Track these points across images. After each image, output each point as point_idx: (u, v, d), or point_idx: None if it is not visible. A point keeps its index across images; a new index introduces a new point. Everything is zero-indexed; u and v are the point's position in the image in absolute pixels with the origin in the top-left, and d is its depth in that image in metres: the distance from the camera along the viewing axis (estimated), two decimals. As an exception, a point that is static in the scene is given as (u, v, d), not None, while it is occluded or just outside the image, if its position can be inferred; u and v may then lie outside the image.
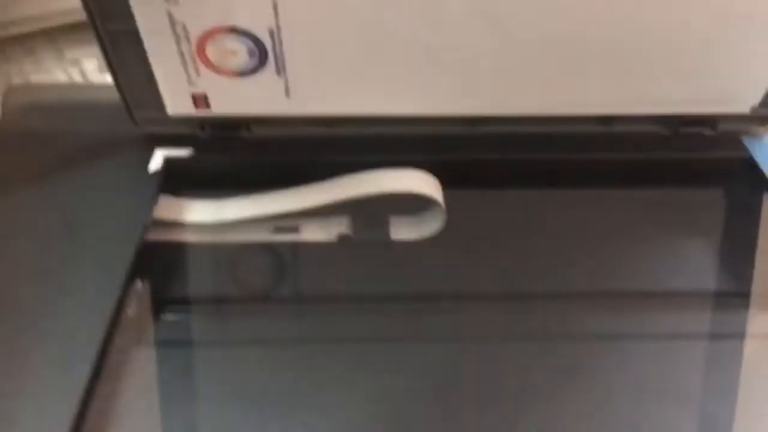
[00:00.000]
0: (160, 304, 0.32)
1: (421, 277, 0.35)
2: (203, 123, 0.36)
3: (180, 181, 0.36)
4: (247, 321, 0.33)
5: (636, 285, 0.35)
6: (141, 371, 0.29)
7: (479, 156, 0.38)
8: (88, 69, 0.67)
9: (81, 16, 0.68)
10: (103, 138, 0.37)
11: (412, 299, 0.34)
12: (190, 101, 0.35)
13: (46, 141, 0.36)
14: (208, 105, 0.35)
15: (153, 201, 0.34)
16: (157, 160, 0.35)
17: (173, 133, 0.36)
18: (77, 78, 0.66)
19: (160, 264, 0.34)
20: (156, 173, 0.35)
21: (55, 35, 0.69)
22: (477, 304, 0.34)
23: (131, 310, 0.30)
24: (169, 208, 0.35)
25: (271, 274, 0.36)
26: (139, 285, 0.31)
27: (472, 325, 0.33)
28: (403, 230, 0.37)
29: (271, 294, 0.35)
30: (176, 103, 0.35)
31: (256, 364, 0.31)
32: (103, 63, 0.67)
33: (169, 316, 0.33)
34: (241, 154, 0.37)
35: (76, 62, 0.68)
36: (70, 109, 0.38)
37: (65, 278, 0.30)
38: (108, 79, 0.65)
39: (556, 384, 0.30)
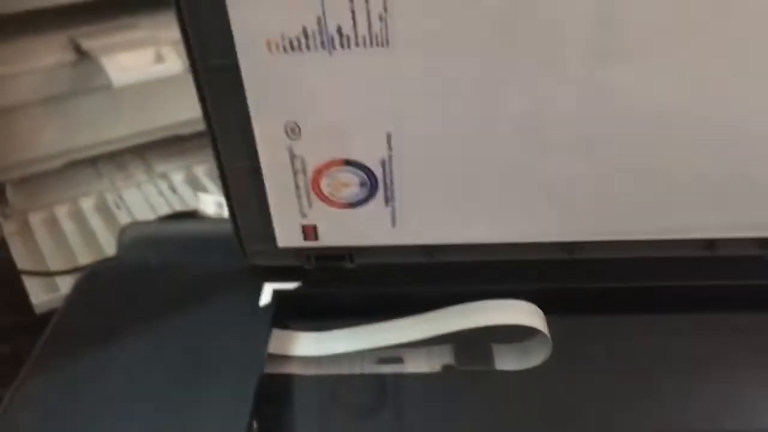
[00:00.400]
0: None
1: (527, 410, 0.34)
2: (309, 254, 0.37)
3: (288, 312, 0.36)
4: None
5: (745, 422, 0.34)
6: None
7: (580, 282, 0.38)
8: (176, 181, 0.70)
9: (167, 132, 0.72)
10: (211, 271, 0.38)
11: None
12: (299, 233, 0.36)
13: (158, 276, 0.37)
14: (316, 237, 0.36)
15: (266, 336, 0.34)
16: (267, 294, 0.36)
17: (280, 265, 0.37)
18: (166, 190, 0.70)
19: (271, 399, 0.34)
20: (266, 307, 0.36)
21: (143, 151, 0.73)
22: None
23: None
24: (280, 342, 0.35)
25: (376, 406, 0.35)
26: (256, 424, 0.31)
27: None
28: (508, 360, 0.36)
29: (376, 428, 0.34)
30: (287, 235, 0.36)
31: None
32: (190, 175, 0.71)
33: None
34: (345, 283, 0.37)
35: (164, 176, 0.71)
36: (179, 243, 0.39)
37: (190, 421, 0.30)
38: (196, 192, 0.68)
39: None
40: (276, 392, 0.35)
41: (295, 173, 0.33)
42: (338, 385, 0.36)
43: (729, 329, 0.38)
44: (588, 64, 0.29)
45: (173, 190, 0.70)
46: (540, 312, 0.35)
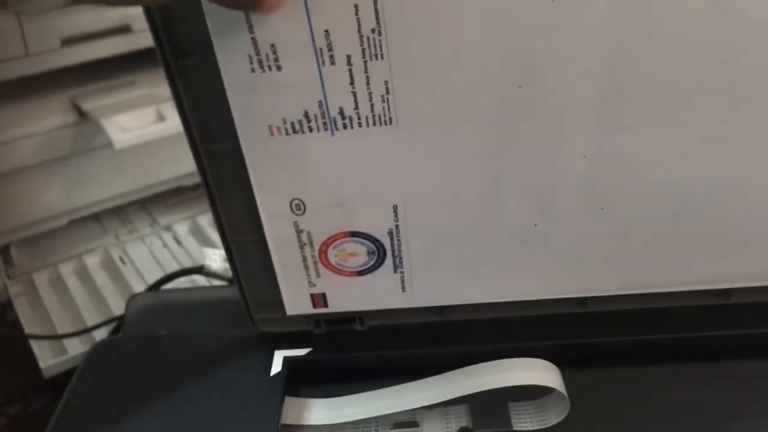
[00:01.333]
0: None
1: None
2: (318, 319, 0.37)
3: (300, 379, 0.36)
4: None
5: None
6: None
7: (595, 336, 0.37)
8: (181, 233, 0.70)
9: (170, 185, 0.72)
10: (220, 340, 0.37)
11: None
12: (308, 301, 0.35)
13: (167, 348, 0.37)
14: (326, 304, 0.35)
15: (279, 406, 0.34)
16: (277, 362, 0.36)
17: (289, 330, 0.37)
18: (171, 243, 0.69)
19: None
20: (277, 375, 0.35)
21: (147, 203, 0.73)
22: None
23: None
24: (293, 410, 0.34)
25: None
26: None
27: None
28: (526, 419, 0.35)
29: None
30: (295, 304, 0.35)
31: None
32: (194, 227, 0.70)
33: None
34: (356, 346, 0.37)
35: (168, 228, 0.71)
36: (186, 312, 0.39)
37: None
38: (201, 243, 0.68)
39: None
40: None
41: (301, 246, 0.33)
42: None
43: (747, 378, 0.37)
44: (594, 132, 0.29)
45: (178, 242, 0.70)
46: (556, 369, 0.35)
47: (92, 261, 0.67)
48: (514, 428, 0.35)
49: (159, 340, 0.38)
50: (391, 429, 0.36)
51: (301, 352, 0.37)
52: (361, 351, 0.37)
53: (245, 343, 0.37)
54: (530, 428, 0.35)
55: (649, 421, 0.35)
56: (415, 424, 0.36)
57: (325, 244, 0.33)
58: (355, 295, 0.35)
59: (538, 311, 0.37)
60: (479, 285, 0.35)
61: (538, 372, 0.35)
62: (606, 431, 0.35)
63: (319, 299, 0.35)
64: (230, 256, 0.34)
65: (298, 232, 0.32)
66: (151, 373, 0.36)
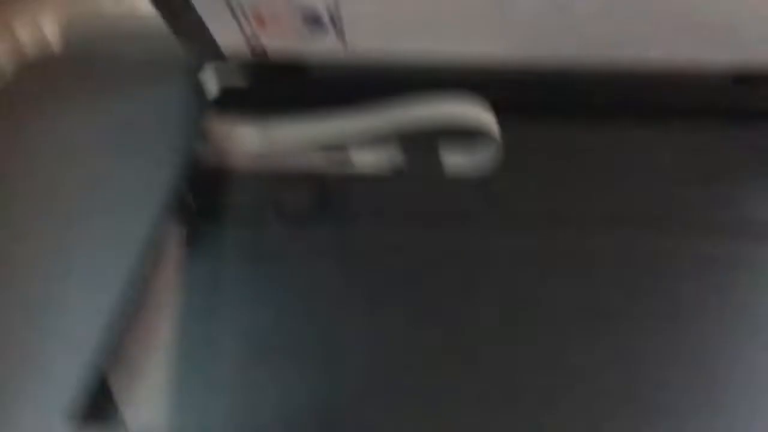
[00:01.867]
0: (199, 229, 0.33)
1: (473, 215, 0.34)
2: (258, 63, 0.36)
3: (232, 108, 0.36)
4: (285, 255, 0.33)
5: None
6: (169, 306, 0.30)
7: (536, 90, 0.36)
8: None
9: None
10: (160, 65, 0.36)
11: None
12: (247, 54, 0.35)
13: (100, 68, 0.36)
14: (265, 54, 0.35)
15: (203, 126, 0.34)
16: (211, 88, 0.35)
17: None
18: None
19: (203, 190, 0.34)
20: (208, 99, 0.35)
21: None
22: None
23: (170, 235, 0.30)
24: (219, 133, 0.34)
25: (315, 205, 0.35)
26: (182, 209, 0.31)
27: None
28: (457, 163, 0.35)
29: (313, 227, 0.34)
30: (234, 54, 0.35)
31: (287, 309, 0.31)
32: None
33: (206, 245, 0.33)
34: (295, 85, 0.36)
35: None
36: (127, 38, 0.37)
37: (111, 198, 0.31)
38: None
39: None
40: (212, 186, 0.35)
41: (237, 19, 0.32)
42: (279, 182, 0.35)
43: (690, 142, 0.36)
44: None
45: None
46: (488, 109, 0.34)
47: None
48: (446, 171, 0.35)
49: (91, 62, 0.37)
50: (321, 161, 0.35)
51: (237, 81, 0.36)
52: (299, 87, 0.36)
53: (182, 72, 0.36)
54: (461, 171, 0.35)
55: (593, 169, 0.35)
56: (346, 159, 0.35)
57: (259, 7, 0.32)
58: (295, 50, 0.34)
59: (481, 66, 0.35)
60: (421, 39, 0.34)
61: (470, 109, 0.34)
62: (546, 179, 0.35)
63: (257, 50, 0.34)
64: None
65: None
66: (80, 87, 0.36)
